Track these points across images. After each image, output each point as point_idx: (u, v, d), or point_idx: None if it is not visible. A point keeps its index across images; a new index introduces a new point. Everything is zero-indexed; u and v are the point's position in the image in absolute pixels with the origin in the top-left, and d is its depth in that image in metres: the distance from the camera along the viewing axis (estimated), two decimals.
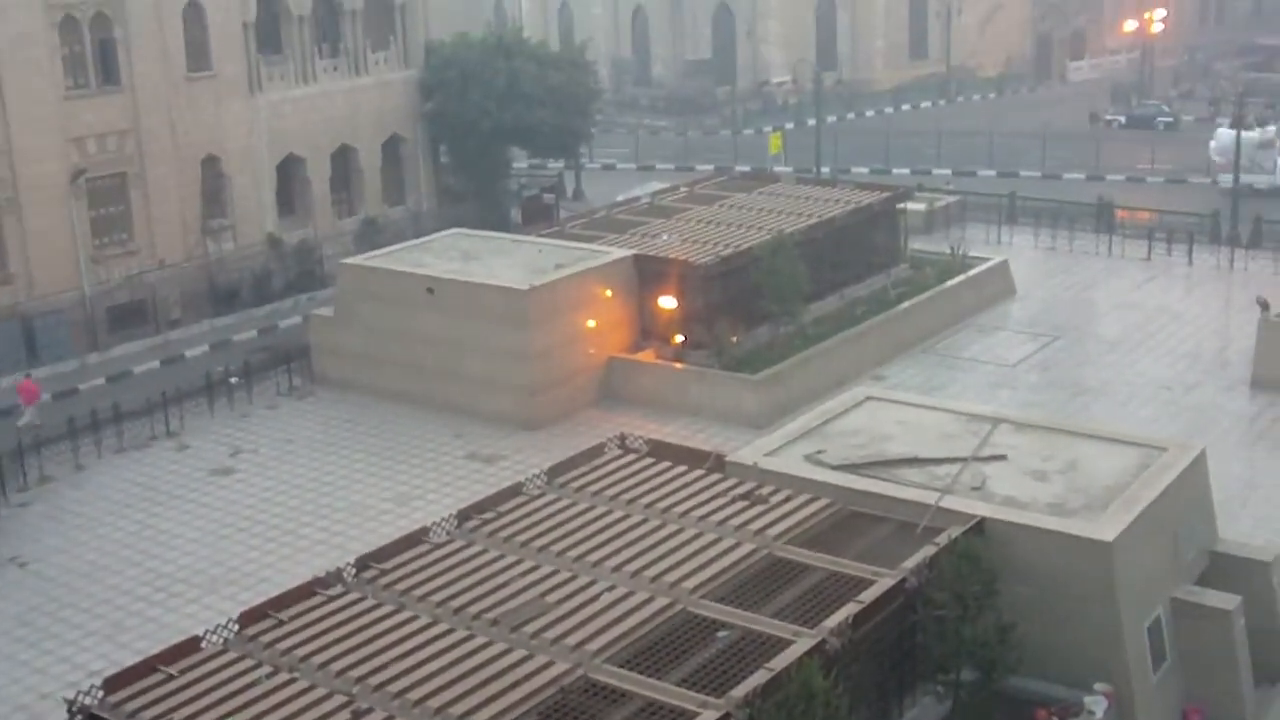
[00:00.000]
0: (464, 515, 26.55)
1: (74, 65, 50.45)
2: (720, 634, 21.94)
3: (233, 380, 45.18)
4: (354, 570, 24.42)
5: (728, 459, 28.80)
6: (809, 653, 21.01)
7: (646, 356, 44.09)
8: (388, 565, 24.49)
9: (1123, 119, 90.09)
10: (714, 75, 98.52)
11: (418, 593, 23.46)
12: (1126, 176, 74.74)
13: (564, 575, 23.91)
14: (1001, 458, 28.09)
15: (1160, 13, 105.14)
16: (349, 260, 47.86)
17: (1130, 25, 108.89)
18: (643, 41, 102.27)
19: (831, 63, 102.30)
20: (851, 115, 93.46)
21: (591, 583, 23.63)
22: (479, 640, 21.78)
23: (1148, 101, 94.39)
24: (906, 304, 48.90)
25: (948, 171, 74.43)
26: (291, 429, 42.74)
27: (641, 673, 20.97)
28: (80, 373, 48.25)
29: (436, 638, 21.90)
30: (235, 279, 54.63)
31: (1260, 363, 43.53)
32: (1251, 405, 42.28)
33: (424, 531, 25.88)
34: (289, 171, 58.44)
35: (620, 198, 58.65)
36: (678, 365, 43.47)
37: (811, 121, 76.85)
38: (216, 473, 39.62)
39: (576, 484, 27.88)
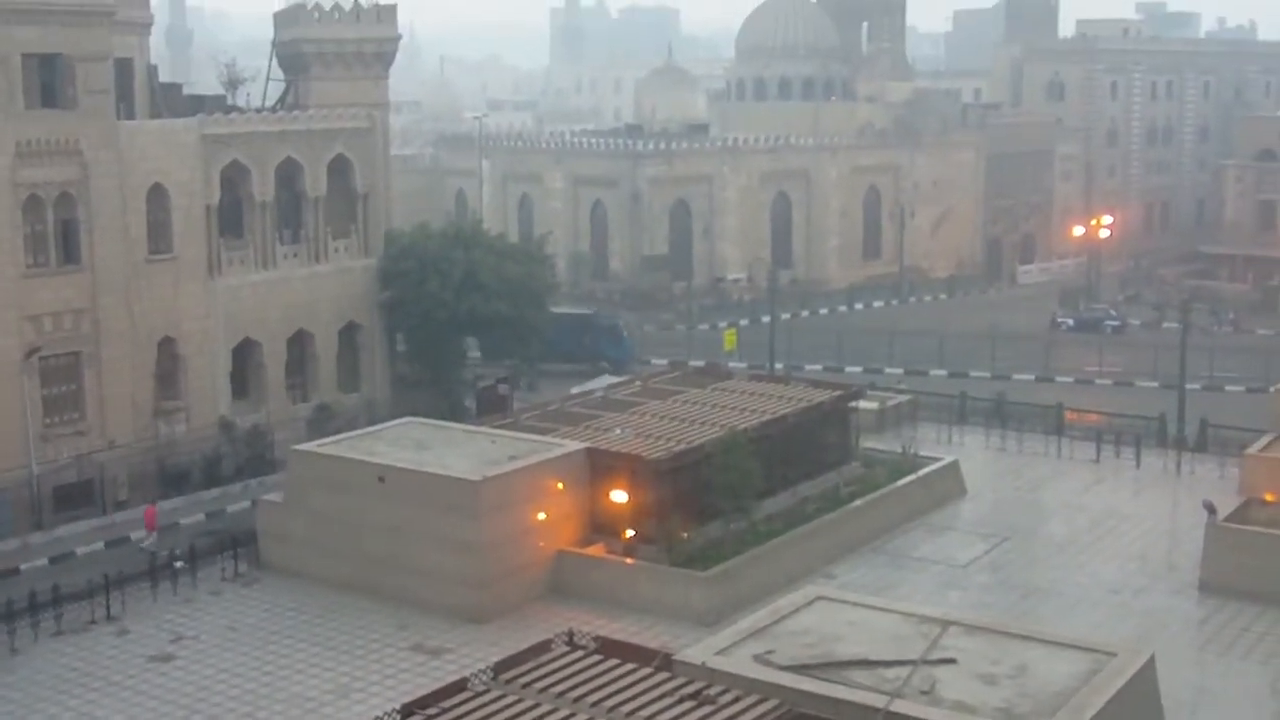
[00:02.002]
0: (406, 711, 26.09)
1: (35, 244, 50.67)
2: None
3: (177, 564, 44.62)
4: None
5: (676, 657, 28.51)
6: None
7: (597, 551, 43.87)
8: None
9: (1071, 322, 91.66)
10: (671, 270, 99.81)
11: None
12: (1075, 378, 75.76)
13: None
14: (951, 661, 27.92)
15: (1107, 219, 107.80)
16: (300, 446, 47.68)
17: (1078, 231, 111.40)
18: (601, 235, 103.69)
19: (787, 261, 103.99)
20: (806, 313, 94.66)
21: None
22: None
23: (1095, 305, 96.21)
24: (858, 502, 49.02)
25: (900, 371, 75.26)
26: (235, 616, 42.11)
27: None
28: (22, 552, 47.55)
29: None
30: (185, 461, 54.28)
31: (1208, 567, 43.70)
32: (1200, 609, 42.32)
33: None
34: (244, 355, 58.53)
35: (575, 390, 58.88)
36: (628, 560, 43.23)
37: (766, 318, 77.75)
38: (156, 659, 38.90)
39: (523, 681, 27.48)
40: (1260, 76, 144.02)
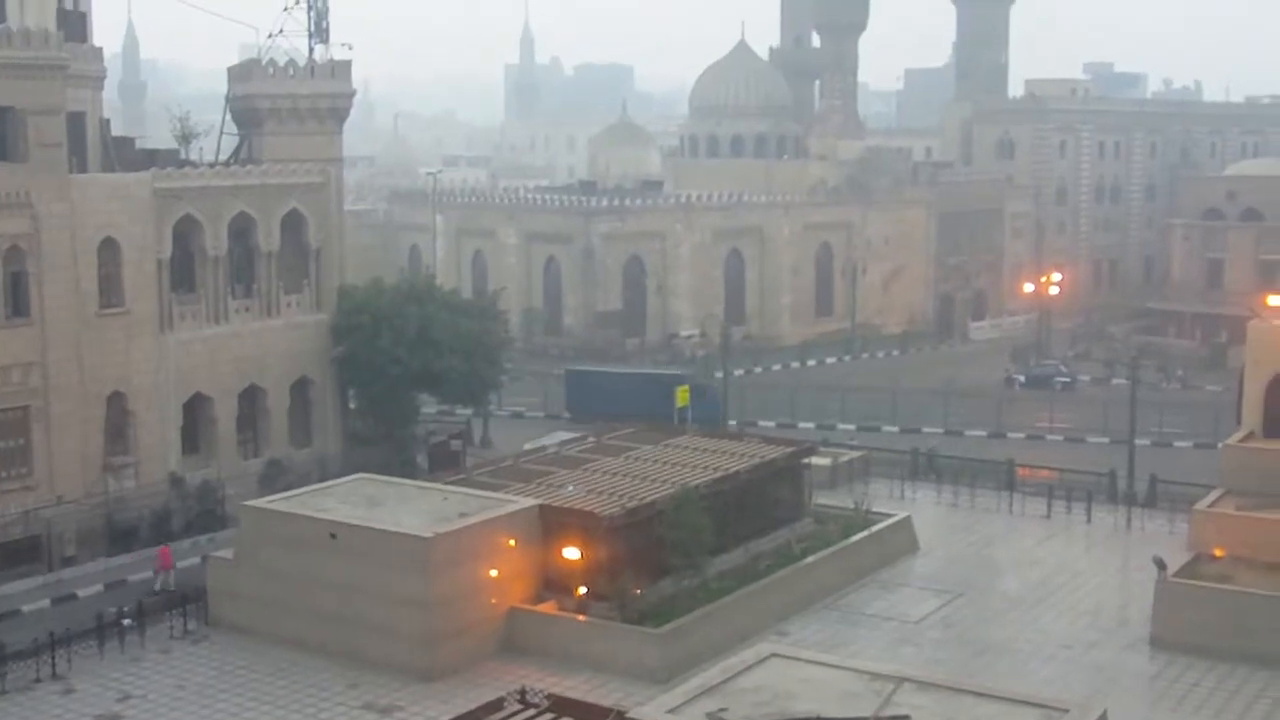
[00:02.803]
0: None
1: None
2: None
3: (125, 622, 44.09)
4: None
5: (629, 715, 28.36)
6: None
7: (549, 608, 43.65)
8: None
9: (1022, 378, 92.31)
10: (624, 326, 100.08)
11: None
12: (1026, 434, 76.21)
13: None
14: (905, 718, 27.88)
15: (1057, 276, 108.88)
16: (251, 502, 47.30)
17: (1029, 287, 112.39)
18: (555, 291, 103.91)
19: (740, 317, 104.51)
20: (759, 369, 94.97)
21: None
22: None
23: (1046, 361, 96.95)
24: (810, 559, 49.01)
25: (852, 427, 75.52)
26: (183, 674, 41.59)
27: None
28: None
29: None
30: (134, 517, 53.76)
31: (1159, 622, 43.89)
32: (1151, 664, 42.47)
33: None
34: (195, 410, 58.17)
35: (528, 446, 58.75)
36: (580, 617, 43.02)
37: (719, 374, 77.93)
38: (102, 719, 38.38)
39: None
40: (1206, 137, 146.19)
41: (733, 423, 68.77)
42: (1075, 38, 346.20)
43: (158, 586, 48.15)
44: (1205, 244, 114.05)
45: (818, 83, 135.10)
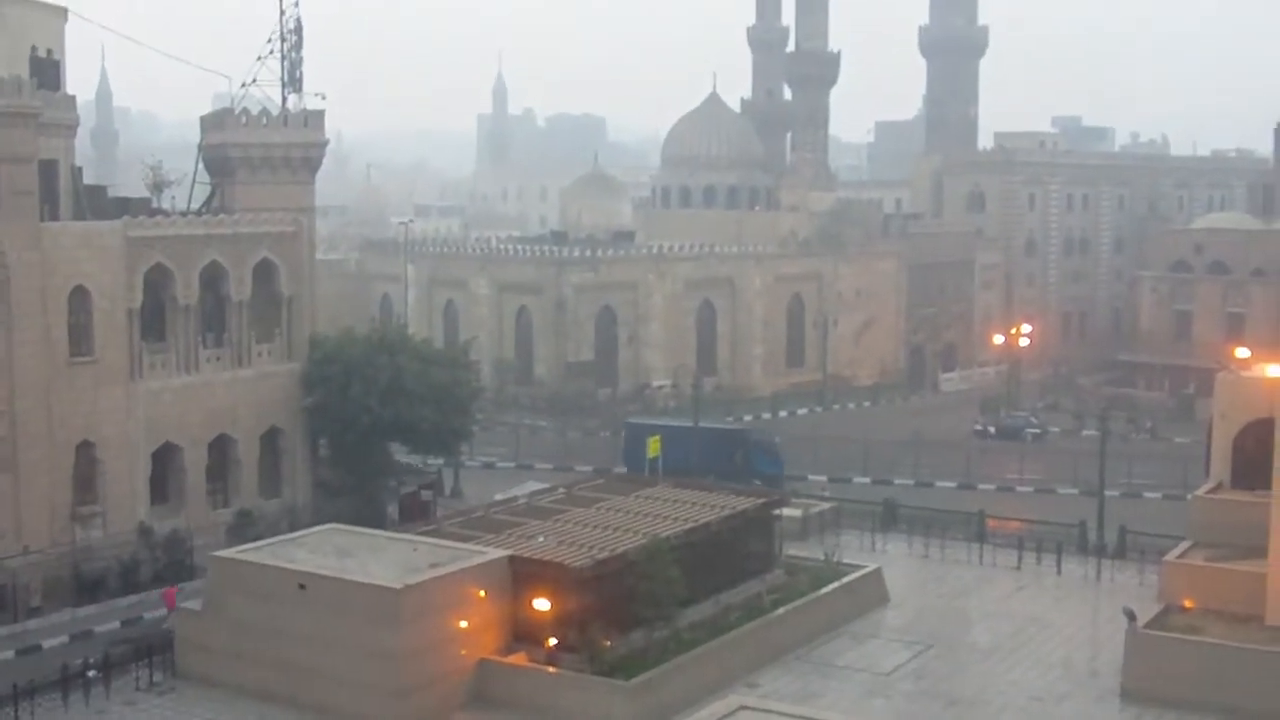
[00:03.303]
0: None
1: None
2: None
3: (90, 673, 43.70)
4: None
5: None
6: None
7: (519, 659, 43.48)
8: None
9: (992, 429, 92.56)
10: (595, 377, 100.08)
11: None
12: (997, 485, 76.40)
13: None
14: None
15: (1027, 328, 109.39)
16: (220, 553, 47.05)
17: (999, 339, 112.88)
18: (526, 341, 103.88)
19: (711, 368, 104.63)
20: (730, 419, 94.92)
21: None
22: None
23: (1016, 413, 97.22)
24: (781, 610, 49.00)
25: (823, 478, 75.45)
26: None
27: None
28: None
29: None
30: (102, 567, 53.43)
31: (1129, 674, 43.99)
32: (1122, 717, 42.57)
33: None
34: (165, 459, 57.93)
35: (499, 497, 58.63)
36: (550, 669, 42.85)
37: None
38: None
39: None
40: (1173, 190, 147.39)
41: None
42: (1044, 91, 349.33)
43: (165, 625, 48.18)
44: (1173, 296, 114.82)
45: (789, 135, 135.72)
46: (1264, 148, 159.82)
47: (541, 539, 47.12)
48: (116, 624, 51.14)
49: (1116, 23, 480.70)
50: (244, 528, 57.54)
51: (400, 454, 68.26)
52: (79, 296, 53.95)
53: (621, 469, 72.21)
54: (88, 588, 52.79)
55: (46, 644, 48.70)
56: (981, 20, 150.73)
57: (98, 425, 54.71)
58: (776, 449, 76.41)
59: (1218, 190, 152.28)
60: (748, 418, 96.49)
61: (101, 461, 54.94)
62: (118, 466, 55.52)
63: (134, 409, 56.13)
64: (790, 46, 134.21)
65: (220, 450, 59.92)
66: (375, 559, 44.68)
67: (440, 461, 71.26)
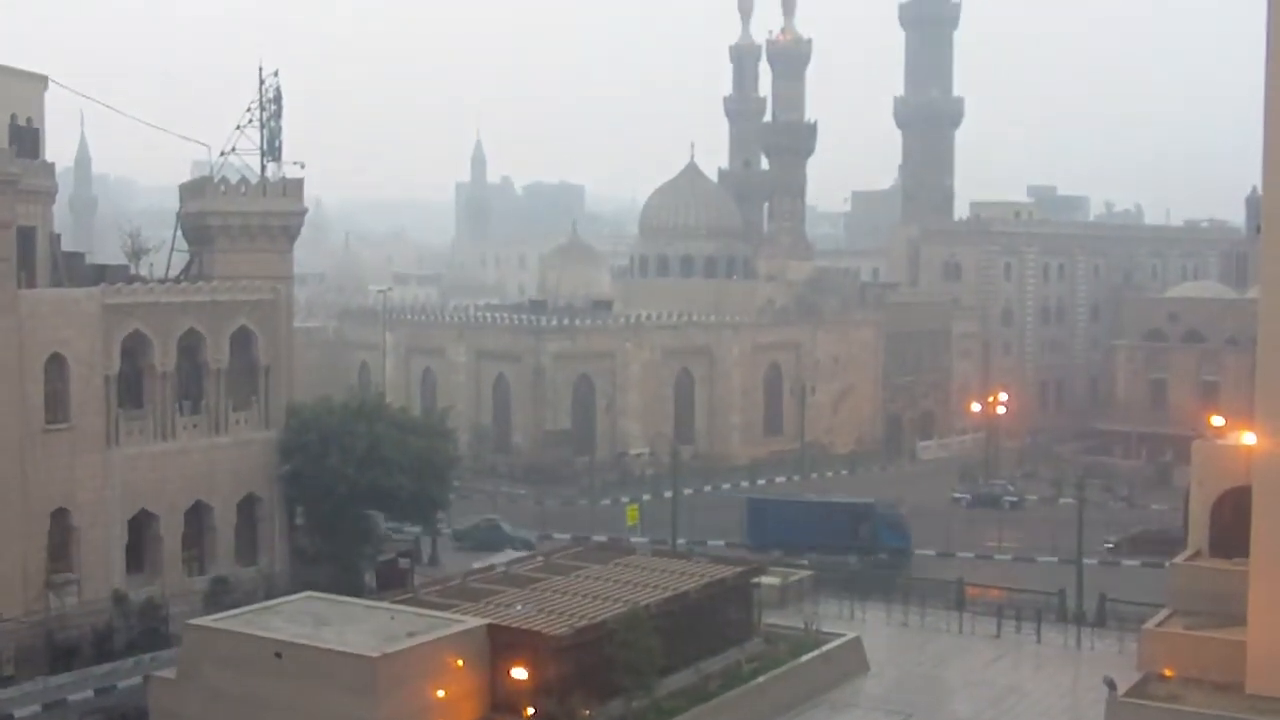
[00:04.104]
0: None
1: None
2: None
3: None
4: None
5: None
6: None
7: None
8: None
9: (970, 497, 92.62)
10: (573, 445, 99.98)
11: None
12: (976, 553, 76.33)
13: None
14: None
15: (1004, 396, 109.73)
16: (195, 621, 46.69)
17: (976, 407, 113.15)
18: (504, 409, 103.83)
19: (689, 436, 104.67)
20: (708, 488, 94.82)
21: None
22: None
23: (994, 481, 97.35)
24: (760, 679, 48.79)
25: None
26: None
27: None
28: None
29: None
30: (76, 635, 52.98)
31: None
32: None
33: None
34: (141, 526, 57.61)
35: (476, 565, 58.37)
36: None
37: (669, 493, 77.74)
38: None
39: None
40: (1148, 260, 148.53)
41: (682, 542, 68.22)
42: (1019, 161, 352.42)
43: None
44: (1149, 365, 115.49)
45: (766, 204, 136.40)
46: (1236, 218, 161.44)
47: (520, 607, 46.87)
48: (90, 692, 50.67)
49: (1092, 94, 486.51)
50: (220, 595, 57.14)
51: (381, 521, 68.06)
52: (56, 363, 53.81)
53: (740, 543, 71.82)
54: (62, 656, 52.35)
55: (19, 713, 48.23)
56: (957, 91, 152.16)
57: (73, 492, 54.43)
58: (902, 522, 75.52)
59: (1191, 260, 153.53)
60: (726, 486, 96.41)
61: (77, 528, 54.59)
62: (93, 534, 55.17)
63: (110, 476, 55.86)
64: (767, 117, 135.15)
65: (197, 517, 59.63)
66: (352, 627, 44.37)
67: (418, 529, 71.01)
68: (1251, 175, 48.18)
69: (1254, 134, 35.97)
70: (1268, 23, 36.81)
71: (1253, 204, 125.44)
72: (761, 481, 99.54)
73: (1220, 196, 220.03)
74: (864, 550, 70.52)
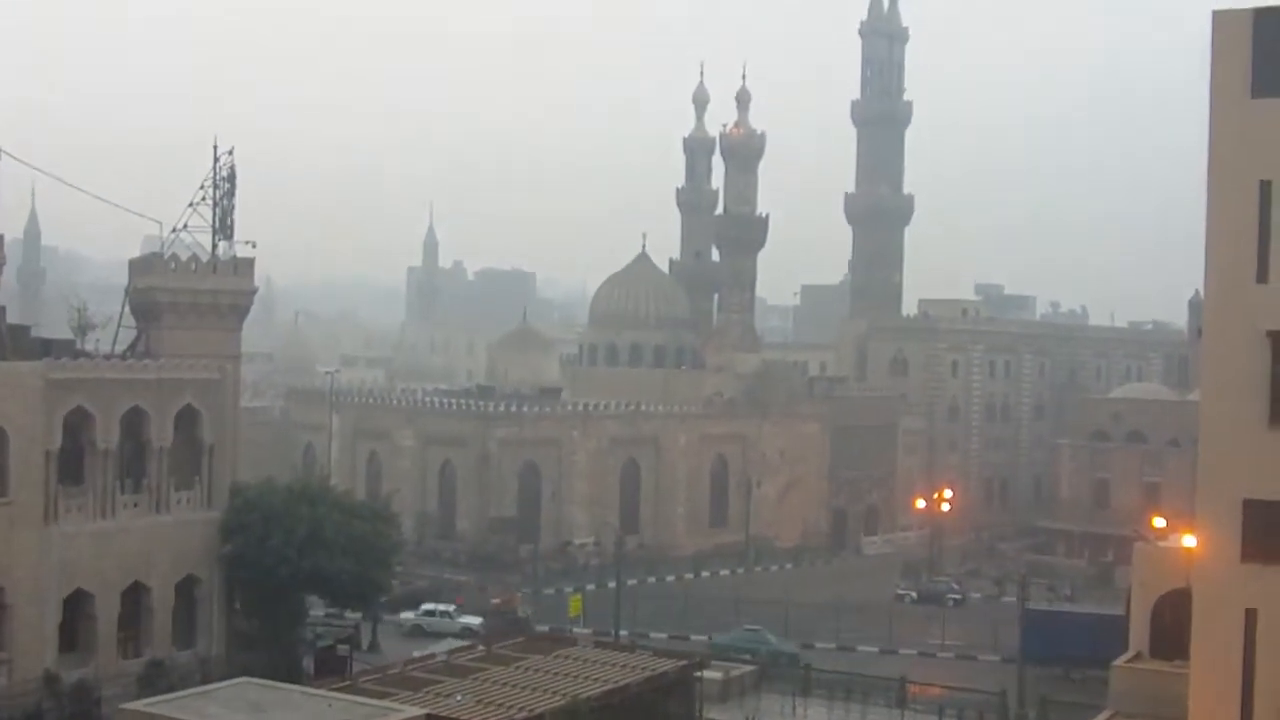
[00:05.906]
0: None
1: None
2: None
3: None
4: None
5: None
6: None
7: None
8: None
9: (914, 594, 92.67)
10: (518, 532, 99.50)
11: None
12: (919, 651, 76.22)
13: None
14: None
15: (948, 493, 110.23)
16: (129, 705, 45.82)
17: (921, 504, 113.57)
18: (449, 495, 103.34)
19: (634, 526, 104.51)
20: (652, 579, 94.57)
21: None
22: None
23: (938, 578, 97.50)
24: None
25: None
26: None
27: None
28: None
29: None
30: (5, 717, 51.92)
31: None
32: None
33: None
34: (76, 606, 56.67)
35: (417, 654, 57.77)
36: None
37: (612, 583, 77.42)
38: None
39: None
40: (1092, 360, 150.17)
41: (624, 634, 67.84)
42: (967, 259, 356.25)
43: None
44: (1092, 464, 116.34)
45: (716, 296, 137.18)
46: (1179, 320, 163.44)
47: (459, 698, 46.37)
48: None
49: (1041, 196, 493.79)
50: (155, 678, 56.20)
51: (318, 607, 67.32)
52: None
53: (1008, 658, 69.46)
54: None
55: None
56: (907, 189, 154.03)
57: (9, 569, 53.59)
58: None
59: (1135, 361, 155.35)
60: (670, 578, 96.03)
61: (11, 606, 53.69)
62: (28, 612, 54.26)
63: (47, 553, 55.06)
64: (719, 209, 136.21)
65: (134, 598, 58.75)
66: (289, 715, 43.68)
67: (358, 614, 70.27)
68: (1194, 279, 48.91)
69: (1197, 238, 36.47)
70: (1209, 130, 37.59)
71: (1195, 307, 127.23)
72: (705, 573, 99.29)
73: (1164, 299, 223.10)
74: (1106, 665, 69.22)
